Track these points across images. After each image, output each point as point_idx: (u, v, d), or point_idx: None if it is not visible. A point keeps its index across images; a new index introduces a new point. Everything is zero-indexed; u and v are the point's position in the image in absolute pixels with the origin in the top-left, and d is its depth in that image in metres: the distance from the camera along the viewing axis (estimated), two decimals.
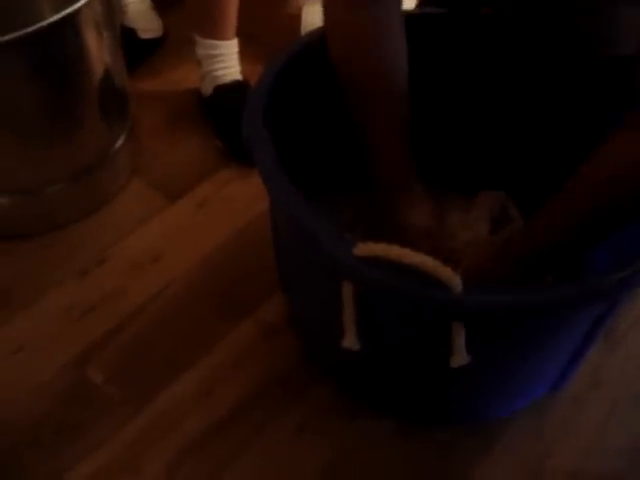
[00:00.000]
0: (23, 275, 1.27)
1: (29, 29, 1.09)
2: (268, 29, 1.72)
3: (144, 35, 1.65)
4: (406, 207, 1.07)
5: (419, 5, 1.28)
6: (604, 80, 1.06)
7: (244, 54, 1.65)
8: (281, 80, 1.01)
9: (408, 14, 1.09)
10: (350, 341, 0.89)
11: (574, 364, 1.05)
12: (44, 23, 1.09)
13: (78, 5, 1.13)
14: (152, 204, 1.38)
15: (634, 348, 1.22)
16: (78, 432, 1.08)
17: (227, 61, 1.52)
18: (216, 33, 1.49)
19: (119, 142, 1.38)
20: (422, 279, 0.78)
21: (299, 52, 1.07)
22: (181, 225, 1.35)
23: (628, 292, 0.89)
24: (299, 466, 1.07)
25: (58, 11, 1.11)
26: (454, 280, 0.77)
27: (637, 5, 1.00)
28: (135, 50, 1.60)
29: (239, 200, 1.38)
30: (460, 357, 0.83)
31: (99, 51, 1.26)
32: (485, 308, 0.81)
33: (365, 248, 0.79)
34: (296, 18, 1.64)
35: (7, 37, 1.07)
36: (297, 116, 1.08)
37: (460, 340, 0.83)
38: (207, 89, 1.53)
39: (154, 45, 1.67)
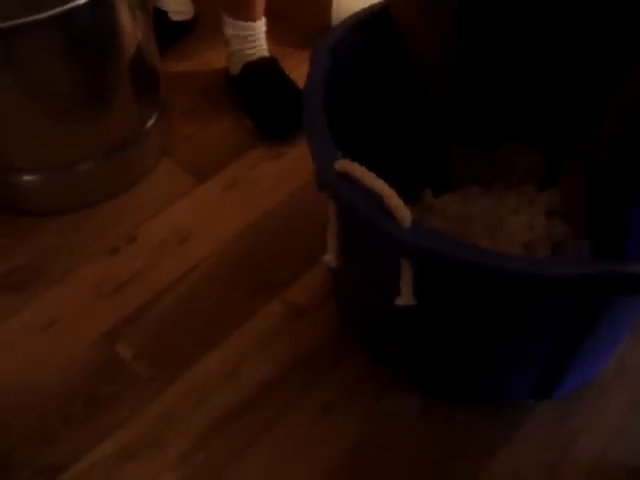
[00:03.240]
0: (54, 252, 1.28)
1: (64, 7, 1.10)
2: (299, 11, 1.73)
3: (175, 17, 1.66)
4: None
5: None
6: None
7: (274, 35, 1.66)
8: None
9: None
10: (330, 256, 0.93)
11: (558, 374, 1.04)
12: (79, 1, 1.11)
13: None
14: (181, 184, 1.39)
15: None
16: (107, 406, 1.10)
17: (256, 40, 1.53)
18: (245, 14, 1.50)
19: (150, 122, 1.39)
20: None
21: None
22: (210, 205, 1.36)
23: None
24: (323, 447, 1.07)
25: None
26: (404, 214, 0.79)
27: None
28: (166, 32, 1.60)
29: (268, 181, 1.39)
30: (406, 297, 0.85)
31: (132, 31, 1.27)
32: (426, 248, 0.82)
33: (344, 164, 0.84)
34: (327, 1, 1.64)
35: (42, 15, 1.09)
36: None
37: (407, 278, 0.83)
38: (236, 67, 1.54)
39: (185, 27, 1.68)
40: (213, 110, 1.53)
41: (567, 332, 0.94)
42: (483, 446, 1.08)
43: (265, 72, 1.52)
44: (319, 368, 1.14)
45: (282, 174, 1.38)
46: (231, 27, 1.52)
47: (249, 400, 1.11)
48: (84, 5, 1.12)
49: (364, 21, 1.08)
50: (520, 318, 0.92)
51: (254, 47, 1.53)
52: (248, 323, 1.19)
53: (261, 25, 1.53)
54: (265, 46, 1.55)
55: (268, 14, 1.56)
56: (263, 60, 1.54)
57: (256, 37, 1.53)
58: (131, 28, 1.26)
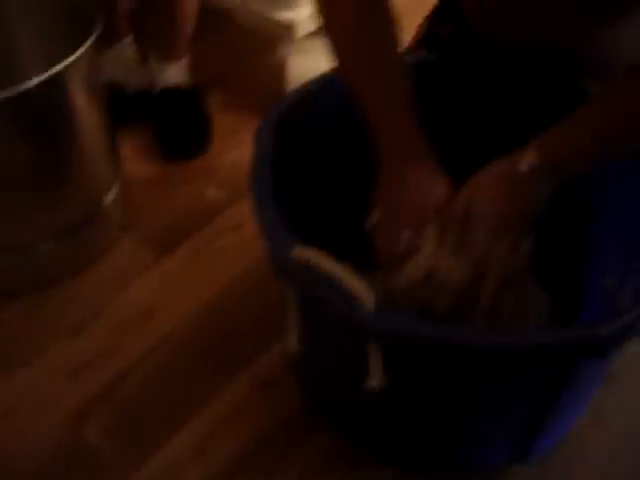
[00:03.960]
0: (17, 334, 1.26)
1: (16, 89, 1.10)
2: (254, 80, 1.74)
3: (131, 89, 1.66)
4: (415, 176, 0.99)
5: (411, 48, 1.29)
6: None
7: (231, 105, 1.68)
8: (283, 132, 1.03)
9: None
10: (292, 341, 0.92)
11: (533, 435, 1.03)
12: (30, 83, 1.11)
13: (64, 65, 1.14)
14: (143, 259, 1.38)
15: (631, 384, 1.22)
16: None
17: (177, 76, 1.64)
18: (172, 56, 1.62)
19: (109, 198, 1.39)
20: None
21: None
22: (172, 279, 1.34)
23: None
24: None
25: (44, 71, 1.12)
26: (367, 298, 0.78)
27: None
28: (123, 104, 1.61)
29: (230, 252, 1.38)
30: (376, 379, 0.84)
31: (86, 109, 1.27)
32: (392, 331, 0.81)
33: (301, 252, 0.82)
34: (281, 68, 1.65)
35: None
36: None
37: (375, 361, 0.82)
38: (154, 92, 1.65)
39: (143, 98, 1.68)
40: (173, 181, 1.53)
41: (539, 395, 0.94)
42: None
43: (179, 98, 1.62)
44: (287, 445, 1.12)
45: (244, 244, 1.37)
46: (155, 61, 1.63)
47: (220, 478, 1.09)
48: (36, 87, 1.11)
49: (309, 93, 1.09)
50: (492, 387, 0.92)
51: (174, 77, 1.63)
52: (214, 400, 1.17)
53: (183, 64, 1.64)
54: (186, 78, 1.65)
55: (227, 85, 1.59)
56: (180, 89, 1.64)
57: (178, 72, 1.63)
58: (85, 107, 1.26)
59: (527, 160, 0.92)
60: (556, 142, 0.93)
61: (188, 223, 1.44)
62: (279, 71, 1.66)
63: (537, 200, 0.94)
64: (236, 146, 1.57)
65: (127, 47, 1.67)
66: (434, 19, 1.25)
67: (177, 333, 1.26)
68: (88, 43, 1.19)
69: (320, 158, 1.10)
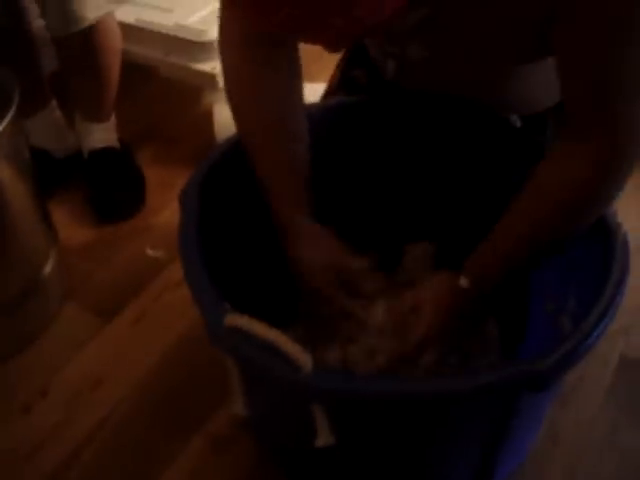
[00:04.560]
0: None
1: None
2: (183, 131, 1.74)
3: (58, 154, 1.65)
4: (294, 238, 1.05)
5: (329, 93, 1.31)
6: (517, 137, 1.12)
7: (162, 158, 1.68)
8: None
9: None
10: (238, 408, 0.93)
11: (487, 471, 1.03)
12: None
13: None
14: (87, 327, 1.37)
15: (585, 401, 1.24)
16: None
17: (105, 136, 1.64)
18: (98, 118, 1.62)
19: (47, 268, 1.37)
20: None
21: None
22: (119, 345, 1.34)
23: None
24: None
25: None
26: (304, 360, 0.78)
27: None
28: (53, 170, 1.60)
29: (175, 310, 1.37)
30: (324, 438, 0.84)
31: (12, 181, 1.26)
32: (331, 391, 0.81)
33: (233, 319, 0.82)
34: (208, 117, 1.66)
35: None
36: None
37: (322, 421, 0.83)
38: (83, 155, 1.65)
39: (71, 162, 1.67)
40: (110, 243, 1.53)
41: (489, 430, 0.94)
42: None
43: (109, 159, 1.62)
44: None
45: (187, 300, 1.35)
46: (81, 123, 1.63)
47: None
48: None
49: (233, 149, 1.09)
50: (441, 430, 0.93)
51: (102, 139, 1.63)
52: (173, 465, 1.16)
53: (110, 125, 1.64)
54: (115, 136, 1.65)
55: (155, 136, 1.59)
56: (109, 149, 1.63)
57: (105, 134, 1.63)
58: (11, 180, 1.25)
59: (465, 281, 0.98)
60: (487, 260, 0.98)
61: (130, 285, 1.43)
62: (206, 120, 1.66)
63: (479, 308, 1.02)
64: (171, 200, 1.53)
65: (53, 112, 1.66)
66: (348, 62, 1.27)
67: (128, 400, 1.25)
68: (8, 118, 1.18)
69: (247, 215, 1.10)
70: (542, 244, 0.95)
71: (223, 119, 1.64)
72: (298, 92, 1.08)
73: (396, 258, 1.25)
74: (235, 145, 1.09)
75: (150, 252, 1.49)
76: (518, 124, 1.11)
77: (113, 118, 1.64)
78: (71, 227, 1.55)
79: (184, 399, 1.24)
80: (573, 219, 0.93)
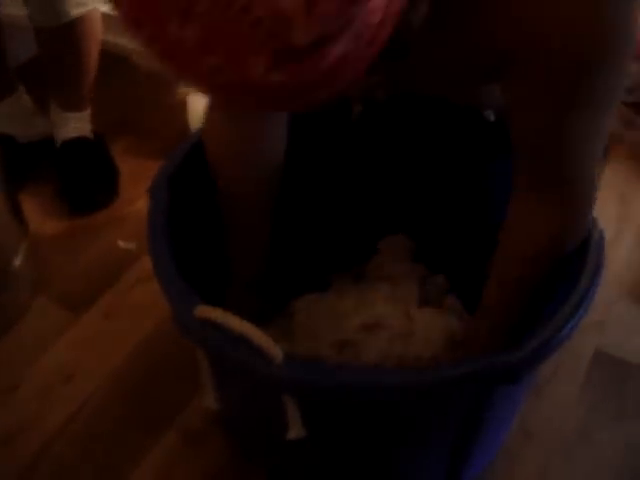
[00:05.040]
0: None
1: None
2: (157, 122, 1.72)
3: (22, 140, 1.63)
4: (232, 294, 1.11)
5: None
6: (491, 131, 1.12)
7: (133, 149, 1.66)
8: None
9: None
10: (209, 401, 0.93)
11: (461, 463, 1.03)
12: None
13: None
14: (59, 320, 1.35)
15: (558, 396, 1.24)
16: None
17: (79, 126, 1.62)
18: (74, 107, 1.60)
19: (17, 260, 1.35)
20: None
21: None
22: (91, 338, 1.32)
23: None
24: None
25: None
26: (274, 352, 0.78)
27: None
28: (16, 156, 1.58)
29: (147, 302, 1.35)
30: (296, 430, 0.83)
31: None
32: (303, 382, 0.81)
33: (204, 310, 0.82)
34: (182, 108, 1.64)
35: None
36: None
37: (293, 413, 0.82)
38: (56, 144, 1.62)
39: (36, 149, 1.65)
40: (83, 234, 1.51)
41: (463, 422, 0.94)
42: None
43: (82, 149, 1.60)
44: None
45: (159, 293, 1.34)
46: (56, 112, 1.60)
47: None
48: None
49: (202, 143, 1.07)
50: (415, 422, 0.92)
51: (76, 128, 1.61)
52: (145, 459, 1.15)
53: (85, 115, 1.62)
54: (89, 128, 1.63)
55: (129, 127, 1.56)
56: (82, 140, 1.61)
57: (80, 123, 1.61)
58: None
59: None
60: (486, 339, 0.98)
61: (102, 277, 1.42)
62: (181, 111, 1.65)
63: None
64: (144, 191, 1.53)
65: (20, 98, 1.64)
66: None
67: (100, 394, 1.24)
68: None
69: (217, 207, 1.09)
70: (530, 295, 0.95)
71: (197, 110, 1.62)
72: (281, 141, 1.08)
73: (371, 251, 1.25)
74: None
75: (122, 244, 1.47)
76: (492, 118, 1.11)
77: (89, 108, 1.62)
78: (42, 218, 1.53)
79: (156, 392, 1.23)
80: (545, 267, 0.93)
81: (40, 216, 1.53)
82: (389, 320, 1.14)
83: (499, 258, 0.95)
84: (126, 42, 1.65)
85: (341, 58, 0.57)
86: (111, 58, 1.66)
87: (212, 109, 1.03)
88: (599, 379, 1.29)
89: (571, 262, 0.92)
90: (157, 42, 0.58)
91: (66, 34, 1.47)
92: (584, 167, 0.86)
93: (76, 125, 1.61)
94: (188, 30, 0.55)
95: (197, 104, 1.63)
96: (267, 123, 1.03)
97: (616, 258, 1.46)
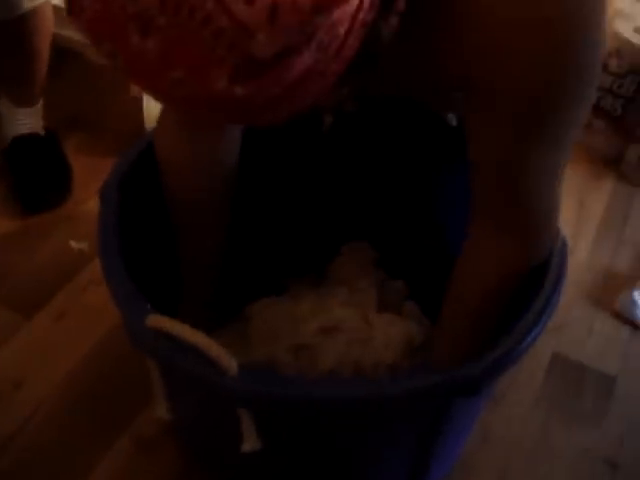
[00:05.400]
0: None
1: None
2: (111, 119, 1.69)
3: None
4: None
5: None
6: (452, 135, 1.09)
7: (87, 146, 1.63)
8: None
9: None
10: (161, 411, 0.90)
11: (422, 473, 1.02)
12: None
13: None
14: (8, 324, 1.30)
15: (516, 400, 1.24)
16: None
17: (30, 122, 1.57)
18: (25, 102, 1.56)
19: None
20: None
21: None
22: (41, 342, 1.28)
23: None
24: None
25: None
26: (229, 363, 0.76)
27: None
28: None
29: (99, 304, 1.30)
30: (251, 442, 0.82)
31: None
32: (258, 394, 0.79)
33: (155, 320, 0.80)
34: (138, 105, 1.61)
35: None
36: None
37: (248, 425, 0.81)
38: (6, 141, 1.58)
39: None
40: (33, 234, 1.47)
41: (422, 433, 0.93)
42: None
43: (33, 149, 1.56)
44: None
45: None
46: (6, 107, 1.56)
47: None
48: None
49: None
50: (373, 434, 0.91)
51: (27, 124, 1.57)
52: (97, 467, 1.12)
53: (37, 110, 1.58)
54: (40, 123, 1.59)
55: (86, 124, 1.53)
56: (33, 136, 1.57)
57: (30, 119, 1.57)
58: None
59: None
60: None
61: (53, 278, 1.38)
62: (136, 108, 1.61)
63: None
64: (97, 190, 1.51)
65: None
66: None
67: (51, 400, 1.20)
68: None
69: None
70: (491, 313, 0.93)
71: (153, 107, 1.59)
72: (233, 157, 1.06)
73: (331, 256, 1.23)
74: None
75: (74, 244, 1.43)
76: (454, 123, 1.10)
77: (40, 104, 1.58)
78: None
79: (108, 399, 1.20)
80: (505, 294, 0.91)
81: None
82: (347, 324, 1.12)
83: (456, 284, 0.93)
84: (80, 37, 1.61)
85: (306, 70, 0.55)
86: (64, 52, 1.62)
87: (165, 115, 1.01)
88: (557, 382, 1.29)
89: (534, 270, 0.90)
90: (118, 55, 0.56)
91: (18, 27, 1.42)
92: (541, 200, 0.83)
93: (27, 121, 1.57)
94: (149, 43, 0.53)
95: (153, 102, 1.59)
96: (221, 131, 1.01)
97: (574, 261, 1.43)
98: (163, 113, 1.01)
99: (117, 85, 1.70)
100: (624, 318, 1.40)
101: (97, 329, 1.29)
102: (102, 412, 1.19)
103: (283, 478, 1.00)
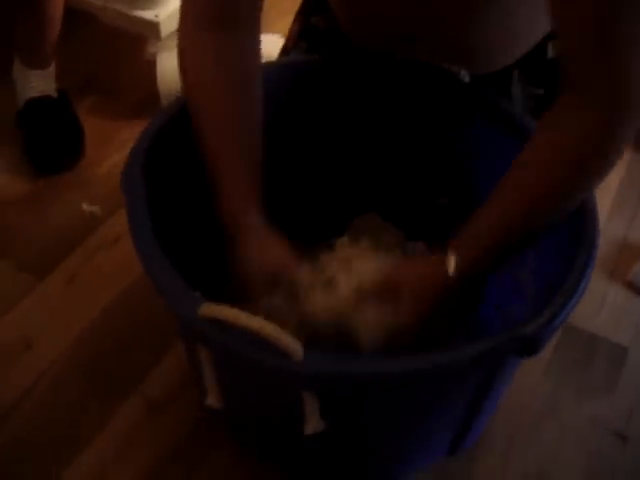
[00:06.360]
0: None
1: None
2: (124, 81, 1.68)
3: None
4: (246, 238, 0.96)
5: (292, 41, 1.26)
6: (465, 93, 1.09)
7: (102, 109, 1.62)
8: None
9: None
10: (212, 400, 0.86)
11: (467, 430, 1.02)
12: None
13: None
14: (19, 285, 1.31)
15: (526, 370, 1.23)
16: None
17: (43, 84, 1.57)
18: (37, 64, 1.55)
19: None
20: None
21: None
22: (52, 304, 1.29)
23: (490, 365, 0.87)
24: None
25: None
26: (294, 348, 0.74)
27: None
28: None
29: (110, 268, 1.33)
30: (314, 424, 0.80)
31: None
32: (326, 377, 0.78)
33: (209, 309, 0.76)
34: (151, 67, 1.60)
35: None
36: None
37: (311, 407, 0.79)
38: (19, 103, 1.58)
39: None
40: (46, 197, 1.47)
41: (474, 395, 0.93)
42: None
43: (46, 111, 1.55)
44: (188, 466, 1.09)
45: (123, 259, 1.32)
46: (19, 70, 1.56)
47: None
48: None
49: (170, 122, 1.02)
50: (433, 400, 0.91)
51: (40, 86, 1.56)
52: (106, 428, 1.12)
53: (50, 70, 1.57)
54: (53, 86, 1.59)
55: (99, 87, 1.52)
56: (46, 98, 1.56)
57: (43, 81, 1.57)
58: None
59: (452, 266, 0.89)
60: (474, 242, 0.90)
61: (64, 241, 1.38)
62: (149, 71, 1.60)
63: (462, 301, 0.94)
64: (110, 154, 1.52)
65: None
66: (307, 9, 1.23)
67: (61, 361, 1.21)
68: None
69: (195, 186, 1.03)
70: (538, 221, 0.89)
71: (166, 70, 1.58)
72: (255, 64, 1.02)
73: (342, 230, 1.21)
74: (173, 119, 1.02)
75: (86, 207, 1.43)
76: (467, 79, 1.08)
77: (53, 66, 1.57)
78: (4, 180, 1.49)
79: (118, 361, 1.21)
80: (573, 188, 0.87)
81: (4, 178, 1.49)
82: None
83: (517, 173, 0.88)
84: None
85: None
86: (77, 15, 1.62)
87: (184, 25, 0.98)
88: (568, 352, 1.28)
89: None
90: None
91: None
92: (631, 69, 0.79)
93: (40, 83, 1.56)
94: None
95: (166, 63, 1.59)
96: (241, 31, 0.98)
97: None
98: (181, 27, 0.98)
99: (131, 48, 1.70)
100: (638, 289, 1.39)
101: (108, 291, 1.29)
102: (111, 374, 1.19)
103: (338, 458, 1.00)
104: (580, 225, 0.90)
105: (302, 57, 1.21)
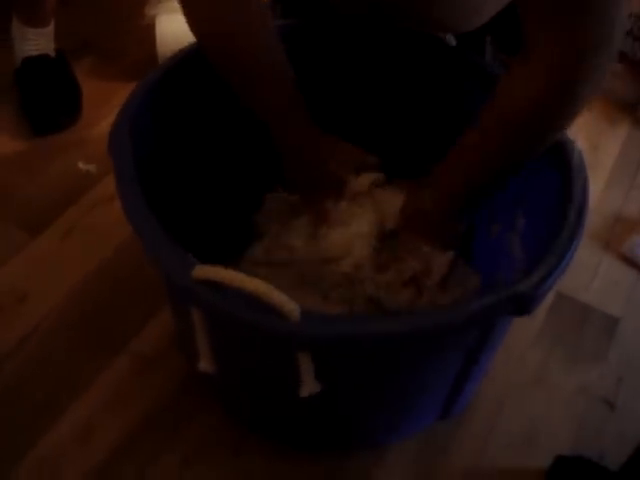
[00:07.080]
0: None
1: None
2: (123, 43, 1.68)
3: None
4: (315, 147, 1.03)
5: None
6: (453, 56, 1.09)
7: (99, 71, 1.62)
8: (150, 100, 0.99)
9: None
10: (205, 365, 0.85)
11: (458, 394, 1.03)
12: None
13: None
14: (14, 240, 1.31)
15: (516, 338, 1.24)
16: None
17: (41, 43, 1.56)
18: (36, 22, 1.54)
19: None
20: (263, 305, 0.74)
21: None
22: (46, 259, 1.29)
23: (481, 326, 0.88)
24: None
25: None
26: (290, 308, 0.73)
27: None
28: None
29: (105, 226, 1.32)
30: (309, 386, 0.79)
31: None
32: (323, 338, 0.77)
33: (202, 271, 0.76)
34: (151, 30, 1.59)
35: None
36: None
37: (307, 369, 0.79)
38: (17, 62, 1.57)
39: None
40: (42, 155, 1.46)
41: (466, 357, 0.94)
42: None
43: (43, 70, 1.55)
44: (175, 420, 1.10)
45: (118, 216, 1.31)
46: (18, 28, 1.54)
47: (106, 463, 1.06)
48: None
49: (163, 80, 1.03)
50: (427, 362, 0.91)
51: (38, 45, 1.55)
52: (96, 382, 1.13)
53: (48, 31, 1.56)
54: (52, 45, 1.58)
55: (98, 50, 1.51)
56: (44, 57, 1.56)
57: (42, 40, 1.56)
58: None
59: (430, 198, 0.98)
60: (453, 177, 0.96)
61: (60, 198, 1.38)
62: (148, 33, 1.60)
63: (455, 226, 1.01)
64: (107, 115, 1.49)
65: None
66: None
67: (54, 315, 1.21)
68: None
69: (185, 150, 1.05)
70: (507, 161, 0.92)
71: (165, 32, 1.58)
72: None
73: None
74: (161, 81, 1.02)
75: (82, 165, 1.43)
76: (453, 43, 1.08)
77: (52, 25, 1.56)
78: (2, 139, 1.48)
79: (110, 316, 1.21)
80: (541, 128, 0.89)
81: (1, 136, 1.49)
82: None
83: (485, 117, 0.91)
84: None
85: None
86: None
87: None
88: (559, 321, 1.29)
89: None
90: None
91: None
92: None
93: (38, 42, 1.55)
94: None
95: (165, 26, 1.58)
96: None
97: None
98: None
99: (131, 11, 1.69)
100: (631, 261, 1.39)
101: (102, 248, 1.30)
102: (103, 329, 1.20)
103: (329, 424, 1.01)
104: (569, 185, 0.90)
105: (282, 21, 1.16)
